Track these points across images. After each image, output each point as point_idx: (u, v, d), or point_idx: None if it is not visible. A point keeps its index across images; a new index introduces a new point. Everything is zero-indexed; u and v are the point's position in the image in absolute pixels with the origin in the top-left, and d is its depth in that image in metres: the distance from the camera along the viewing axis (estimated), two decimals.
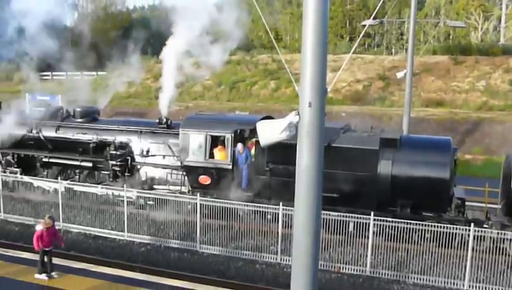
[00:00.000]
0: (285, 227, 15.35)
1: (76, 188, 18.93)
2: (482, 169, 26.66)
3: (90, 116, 21.63)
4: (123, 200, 17.57)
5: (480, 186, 19.78)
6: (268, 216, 16.23)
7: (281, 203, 15.35)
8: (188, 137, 18.09)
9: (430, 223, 14.48)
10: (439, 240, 14.45)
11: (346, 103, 38.36)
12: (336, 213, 14.98)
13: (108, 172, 19.98)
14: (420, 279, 14.27)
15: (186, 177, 18.63)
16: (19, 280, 13.02)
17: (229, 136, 17.65)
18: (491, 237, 14.43)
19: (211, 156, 17.91)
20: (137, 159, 19.77)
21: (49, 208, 19.46)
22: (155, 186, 19.21)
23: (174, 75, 19.72)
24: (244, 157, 17.33)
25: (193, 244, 16.50)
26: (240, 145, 17.32)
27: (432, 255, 14.64)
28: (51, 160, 21.35)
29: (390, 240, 15.02)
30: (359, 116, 32.40)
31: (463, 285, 13.95)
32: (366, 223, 14.79)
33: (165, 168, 19.30)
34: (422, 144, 16.80)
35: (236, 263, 15.69)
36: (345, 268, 14.93)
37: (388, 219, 14.66)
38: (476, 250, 14.24)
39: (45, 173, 21.62)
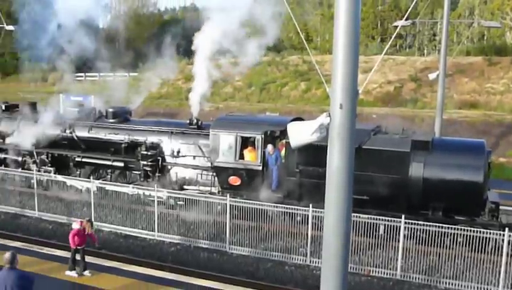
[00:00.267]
0: (315, 229, 15.29)
1: (108, 187, 19.17)
2: None
3: (122, 116, 21.91)
4: (154, 200, 17.75)
5: None
6: (298, 218, 16.18)
7: (310, 205, 15.29)
8: (218, 138, 18.17)
9: (462, 227, 14.22)
10: (472, 245, 14.17)
11: (377, 105, 38.03)
12: (366, 216, 14.84)
13: (140, 172, 20.20)
14: (452, 284, 14.01)
15: (216, 178, 18.70)
16: (51, 277, 13.29)
17: (259, 137, 17.66)
18: None
19: (241, 157, 17.95)
20: (168, 159, 19.93)
21: (81, 207, 19.81)
22: (185, 187, 19.33)
23: (205, 76, 19.79)
24: (274, 158, 17.32)
25: (222, 244, 16.56)
26: (270, 147, 17.32)
27: (464, 260, 14.35)
28: (83, 160, 21.70)
29: (422, 244, 14.80)
30: (390, 118, 32.00)
31: None
32: (396, 226, 14.62)
33: (195, 169, 19.41)
34: (455, 147, 16.51)
35: (265, 264, 15.69)
36: (375, 271, 14.77)
37: (419, 222, 14.46)
38: (511, 255, 13.92)
39: (78, 172, 21.98)
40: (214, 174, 18.71)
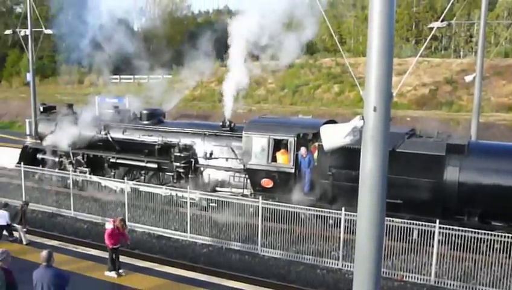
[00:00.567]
0: (347, 232, 15.17)
1: (141, 188, 19.41)
2: None
3: (156, 118, 22.15)
4: (186, 202, 17.88)
5: None
6: (330, 221, 16.08)
7: (343, 208, 15.18)
8: (251, 140, 18.21)
9: (499, 233, 13.89)
10: (510, 251, 13.84)
11: (412, 108, 37.55)
12: (400, 220, 14.65)
13: (173, 173, 20.38)
14: None
15: (248, 180, 18.74)
16: (87, 276, 13.50)
17: (291, 139, 17.63)
18: None
19: (274, 159, 17.95)
20: (201, 161, 20.07)
21: (115, 207, 20.10)
22: (218, 189, 19.43)
23: (239, 78, 19.84)
24: (307, 161, 17.26)
25: (254, 247, 16.57)
26: (303, 149, 17.27)
27: (501, 267, 14.03)
28: (118, 161, 22.01)
29: (457, 249, 14.51)
30: (425, 121, 31.62)
31: None
32: (431, 231, 14.38)
33: (228, 171, 19.48)
34: (492, 151, 16.17)
35: (297, 267, 15.64)
36: (408, 277, 14.55)
37: (454, 227, 14.19)
38: None
39: (112, 173, 22.31)
40: (247, 176, 18.75)
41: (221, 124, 20.33)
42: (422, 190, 15.15)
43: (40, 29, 28.17)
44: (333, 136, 6.35)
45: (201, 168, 20.08)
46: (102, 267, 13.89)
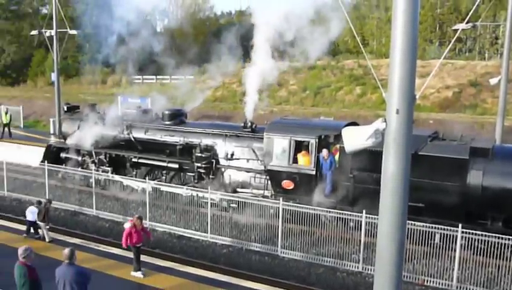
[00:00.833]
0: (368, 235, 15.08)
1: (162, 188, 19.54)
2: None
3: (178, 118, 22.27)
4: (207, 202, 17.94)
5: None
6: (351, 223, 16.00)
7: (364, 211, 15.09)
8: (272, 141, 18.21)
9: None
10: None
11: (435, 110, 37.11)
12: (421, 223, 14.51)
13: (194, 174, 20.47)
14: None
15: (269, 182, 18.74)
16: (108, 274, 13.62)
17: (313, 141, 17.58)
18: None
19: (295, 161, 17.92)
20: (222, 162, 20.12)
21: (136, 206, 20.26)
22: (238, 190, 19.47)
23: (260, 79, 19.85)
24: (329, 163, 17.20)
25: (274, 248, 16.56)
26: (325, 151, 17.21)
27: None
28: (139, 160, 22.19)
29: (480, 255, 14.32)
30: (448, 124, 31.21)
31: None
32: (453, 235, 14.21)
33: (249, 172, 19.50)
34: None
35: (317, 270, 15.59)
36: (430, 281, 14.41)
37: (477, 232, 14.00)
38: None
39: (134, 172, 22.50)
40: (267, 177, 18.75)
41: (242, 125, 20.36)
42: (444, 193, 14.98)
43: (65, 30, 28.52)
44: (355, 138, 6.32)
45: (222, 169, 20.13)
46: (124, 265, 14.02)
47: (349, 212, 15.72)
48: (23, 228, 16.97)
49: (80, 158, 23.79)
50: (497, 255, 13.89)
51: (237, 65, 46.25)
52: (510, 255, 13.90)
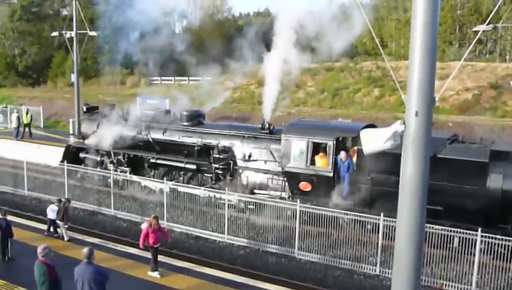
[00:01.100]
0: (386, 238, 14.98)
1: (180, 189, 19.62)
2: None
3: (196, 119, 22.35)
4: (224, 203, 17.98)
5: None
6: (368, 226, 15.91)
7: (381, 214, 15.00)
8: (289, 143, 18.19)
9: None
10: None
11: (454, 113, 36.72)
12: (440, 227, 14.37)
13: (211, 175, 20.53)
14: None
15: (286, 183, 18.72)
16: (126, 274, 13.71)
17: (331, 143, 17.53)
18: None
19: (312, 162, 17.88)
20: (239, 163, 20.14)
21: (154, 207, 20.38)
22: (256, 191, 19.47)
23: (278, 80, 19.83)
24: (347, 165, 17.12)
25: (291, 250, 16.54)
26: (343, 154, 17.14)
27: None
28: (157, 161, 22.32)
29: (500, 259, 14.13)
30: (467, 126, 30.91)
31: None
32: (472, 239, 14.05)
33: (266, 173, 19.49)
34: None
35: (333, 272, 15.53)
36: (448, 285, 14.26)
37: (497, 236, 13.82)
38: None
39: (152, 173, 22.63)
40: (285, 179, 18.74)
41: (260, 126, 20.37)
42: (463, 197, 14.83)
43: (85, 31, 28.81)
44: (373, 141, 6.30)
45: (240, 170, 20.15)
46: (142, 265, 14.10)
47: (366, 215, 15.63)
48: (43, 226, 17.20)
49: (98, 158, 24.00)
50: None
51: (255, 66, 46.30)
52: None
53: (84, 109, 26.19)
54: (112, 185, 21.08)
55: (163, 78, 52.93)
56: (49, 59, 66.09)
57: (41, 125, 39.62)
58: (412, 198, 6.11)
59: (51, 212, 16.41)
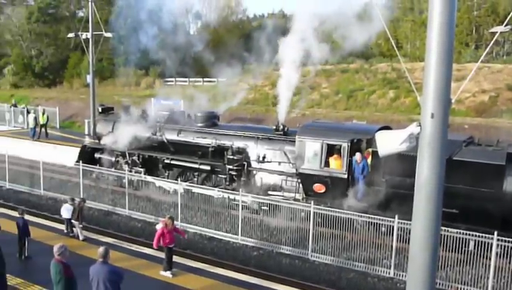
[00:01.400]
0: (400, 241, 14.89)
1: (194, 190, 19.68)
2: None
3: (210, 121, 22.41)
4: (238, 204, 18.00)
5: None
6: (383, 228, 15.83)
7: (396, 216, 14.91)
8: (304, 145, 18.17)
9: None
10: None
11: (470, 115, 36.41)
12: (455, 230, 14.25)
13: (225, 176, 20.56)
14: None
15: (300, 185, 18.69)
16: (141, 274, 13.77)
17: (345, 145, 17.47)
18: None
19: (327, 164, 17.83)
20: (254, 164, 20.14)
21: (168, 207, 20.44)
22: (270, 192, 19.45)
23: (293, 82, 19.79)
24: (361, 167, 17.05)
25: (305, 251, 16.51)
26: (358, 155, 17.08)
27: None
28: (172, 162, 22.40)
29: None
30: (484, 129, 30.65)
31: None
32: (488, 242, 13.91)
33: (280, 175, 19.48)
34: None
35: (347, 274, 15.47)
36: (463, 289, 14.14)
37: None
38: None
39: (166, 174, 22.71)
40: (299, 180, 18.71)
41: (274, 127, 20.36)
42: (479, 200, 14.69)
43: (101, 33, 29.04)
44: (389, 143, 6.26)
45: (254, 172, 20.16)
46: (156, 265, 14.16)
47: (381, 217, 15.55)
48: (58, 226, 17.35)
49: (113, 159, 24.15)
50: None
51: (269, 68, 46.32)
52: None
53: (100, 110, 26.38)
54: (126, 186, 21.20)
55: (177, 79, 53.13)
56: (65, 60, 66.69)
57: (57, 126, 39.98)
58: (428, 200, 6.07)
59: (66, 211, 16.55)
